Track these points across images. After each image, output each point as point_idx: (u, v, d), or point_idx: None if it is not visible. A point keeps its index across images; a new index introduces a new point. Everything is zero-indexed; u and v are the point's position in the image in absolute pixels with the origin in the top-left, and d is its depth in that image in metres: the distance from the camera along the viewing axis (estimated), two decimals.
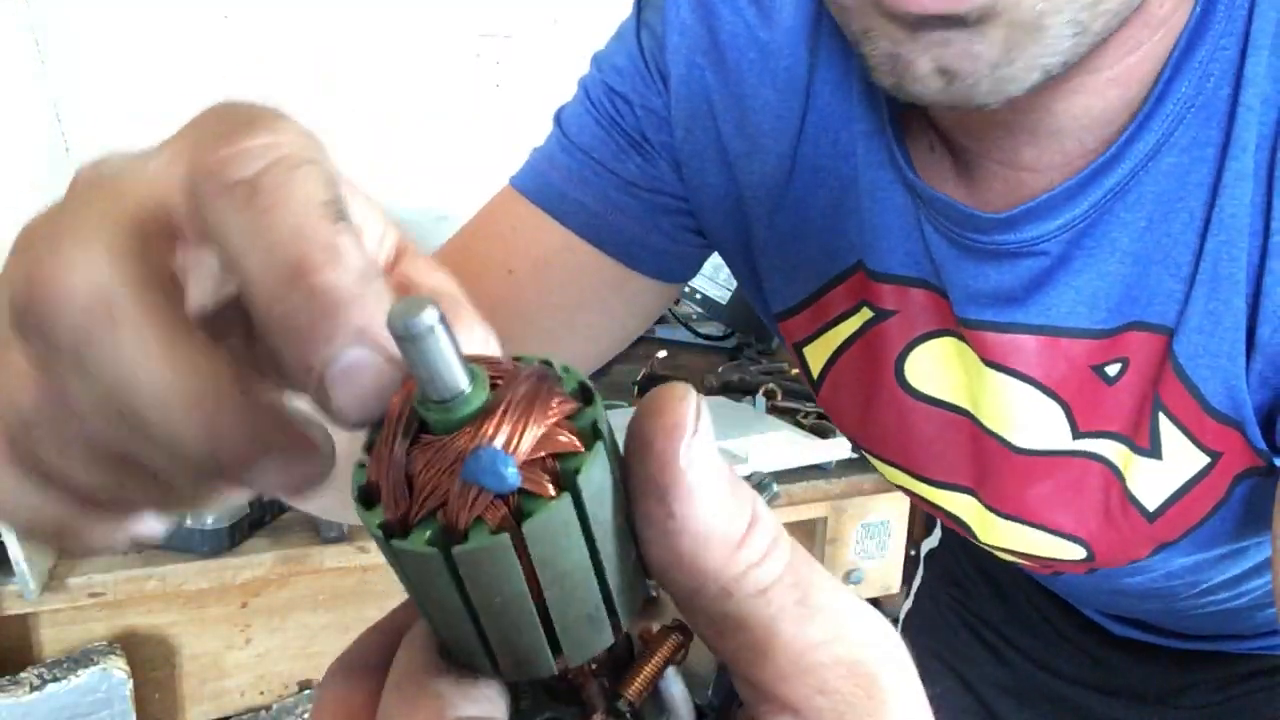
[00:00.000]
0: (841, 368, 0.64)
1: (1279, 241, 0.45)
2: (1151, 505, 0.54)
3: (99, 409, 0.19)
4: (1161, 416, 0.51)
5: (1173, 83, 0.47)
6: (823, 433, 1.31)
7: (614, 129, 0.63)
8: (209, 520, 1.08)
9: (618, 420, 0.22)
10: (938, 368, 0.59)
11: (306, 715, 1.29)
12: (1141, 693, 0.81)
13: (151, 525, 0.23)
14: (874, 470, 1.34)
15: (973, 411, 0.59)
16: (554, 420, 0.18)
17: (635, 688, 0.21)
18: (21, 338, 0.19)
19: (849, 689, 0.19)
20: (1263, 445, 0.49)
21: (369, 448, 0.19)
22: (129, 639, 1.17)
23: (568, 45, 1.65)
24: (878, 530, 1.40)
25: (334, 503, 0.48)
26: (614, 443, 0.19)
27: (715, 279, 1.57)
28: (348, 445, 0.20)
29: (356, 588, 1.31)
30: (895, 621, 1.00)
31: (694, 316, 1.69)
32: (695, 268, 0.68)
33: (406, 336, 0.17)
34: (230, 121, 0.21)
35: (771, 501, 0.22)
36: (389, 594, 1.30)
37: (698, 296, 1.59)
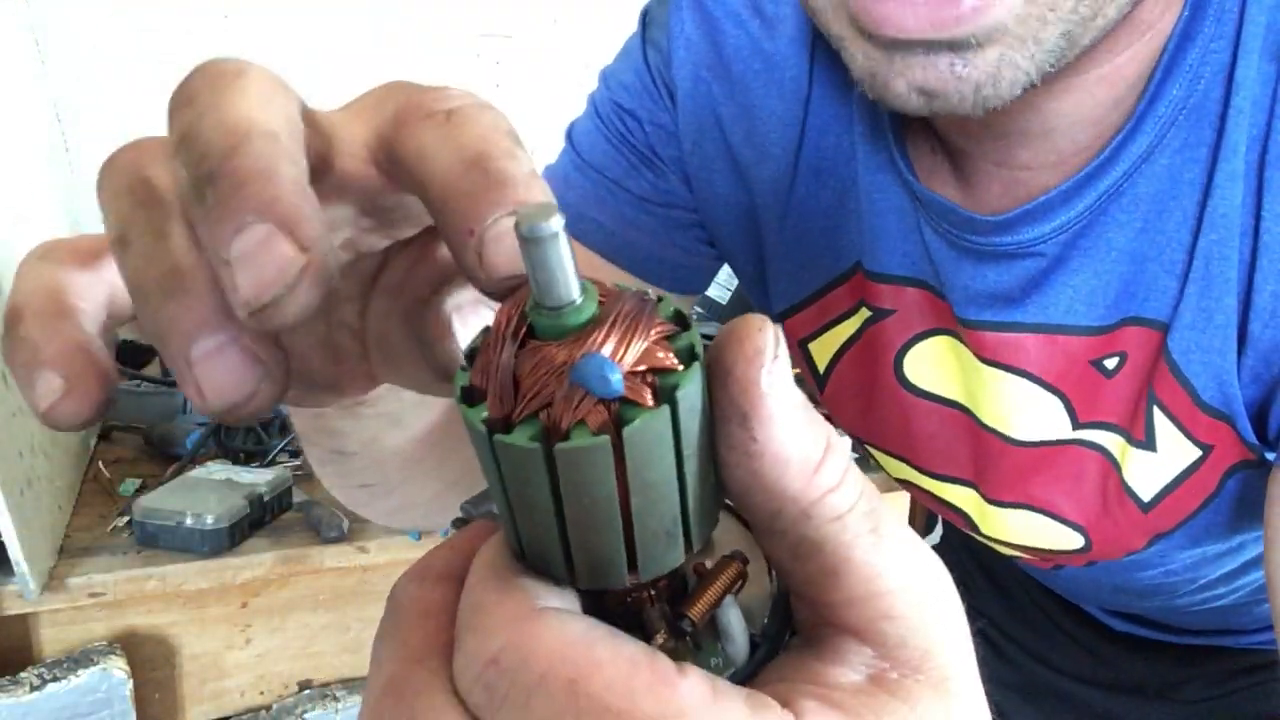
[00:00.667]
0: (844, 366, 0.65)
1: (1269, 240, 0.46)
2: (1146, 496, 0.55)
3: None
4: (1156, 409, 0.52)
5: (1164, 85, 0.48)
6: None
7: (624, 146, 0.64)
8: (209, 520, 1.08)
9: None
10: (935, 365, 0.60)
11: (307, 715, 1.29)
12: (1142, 687, 0.82)
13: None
14: (874, 470, 1.34)
15: (970, 408, 0.60)
16: (656, 338, 0.19)
17: (698, 609, 0.21)
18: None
19: (913, 615, 0.20)
20: (1253, 439, 0.50)
21: (470, 356, 0.20)
22: (129, 639, 1.17)
23: (568, 45, 1.66)
24: None
25: (395, 507, 0.49)
26: (705, 369, 0.19)
27: (715, 279, 1.57)
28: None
29: (356, 588, 1.32)
30: None
31: (694, 317, 1.69)
32: (710, 278, 0.70)
33: (532, 239, 0.18)
34: (419, 85, 0.24)
35: None
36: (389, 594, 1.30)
37: (698, 297, 1.59)
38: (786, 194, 0.60)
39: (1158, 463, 0.54)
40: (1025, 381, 0.56)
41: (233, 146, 0.19)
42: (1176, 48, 0.47)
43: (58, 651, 1.11)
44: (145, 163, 0.22)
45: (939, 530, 0.99)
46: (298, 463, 1.25)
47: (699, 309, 1.62)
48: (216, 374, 0.20)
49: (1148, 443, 0.53)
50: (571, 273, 0.18)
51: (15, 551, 0.92)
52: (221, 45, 1.51)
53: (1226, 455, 0.52)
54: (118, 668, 1.07)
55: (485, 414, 0.19)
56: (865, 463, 1.28)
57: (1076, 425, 0.56)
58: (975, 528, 0.66)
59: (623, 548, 0.20)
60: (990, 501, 0.63)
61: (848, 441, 0.18)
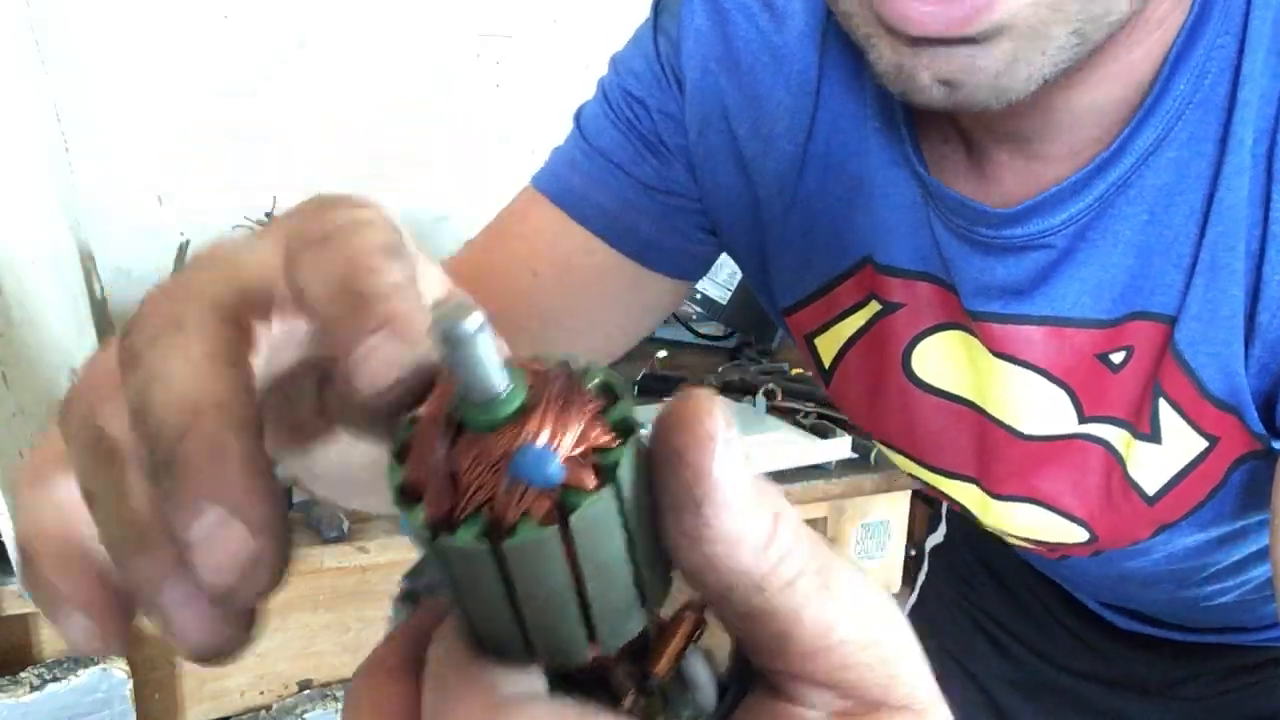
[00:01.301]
0: (850, 360, 0.66)
1: (1278, 231, 0.47)
2: (1151, 489, 0.56)
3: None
4: (1161, 402, 0.53)
5: (1172, 80, 0.48)
6: (823, 433, 1.31)
7: (631, 132, 0.65)
8: None
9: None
10: (944, 360, 0.61)
11: (307, 715, 1.29)
12: (1144, 685, 0.82)
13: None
14: (874, 470, 1.34)
15: (979, 403, 0.60)
16: (589, 416, 0.19)
17: (662, 665, 0.22)
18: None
19: (869, 658, 0.21)
20: (1261, 430, 0.51)
21: (399, 453, 0.20)
22: (129, 639, 1.17)
23: (568, 45, 1.65)
24: (878, 530, 1.40)
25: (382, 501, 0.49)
26: (639, 442, 0.19)
27: (715, 279, 1.57)
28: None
29: (356, 588, 1.31)
30: None
31: (694, 316, 1.69)
32: (708, 265, 0.71)
33: (451, 340, 0.18)
34: (319, 202, 0.24)
35: None
36: (389, 594, 1.30)
37: (698, 296, 1.59)
38: (793, 187, 0.61)
39: (1163, 455, 0.54)
40: (1033, 375, 0.56)
41: (182, 428, 0.20)
42: (1184, 44, 0.48)
43: (58, 651, 1.11)
44: (100, 411, 0.23)
45: (942, 529, 1.00)
46: None
47: (699, 309, 1.62)
48: (189, 624, 0.21)
49: (1153, 436, 0.54)
50: (497, 365, 0.18)
51: (15, 551, 0.92)
52: (222, 45, 1.51)
53: (1233, 447, 0.52)
54: (118, 668, 1.07)
55: (424, 514, 0.19)
56: (863, 464, 1.28)
57: (1082, 419, 0.56)
58: (980, 520, 0.67)
59: (582, 627, 0.19)
60: (993, 495, 0.63)
61: (793, 513, 0.19)
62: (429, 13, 1.61)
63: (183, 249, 1.38)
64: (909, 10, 0.43)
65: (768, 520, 0.20)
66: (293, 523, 1.24)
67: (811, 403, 1.40)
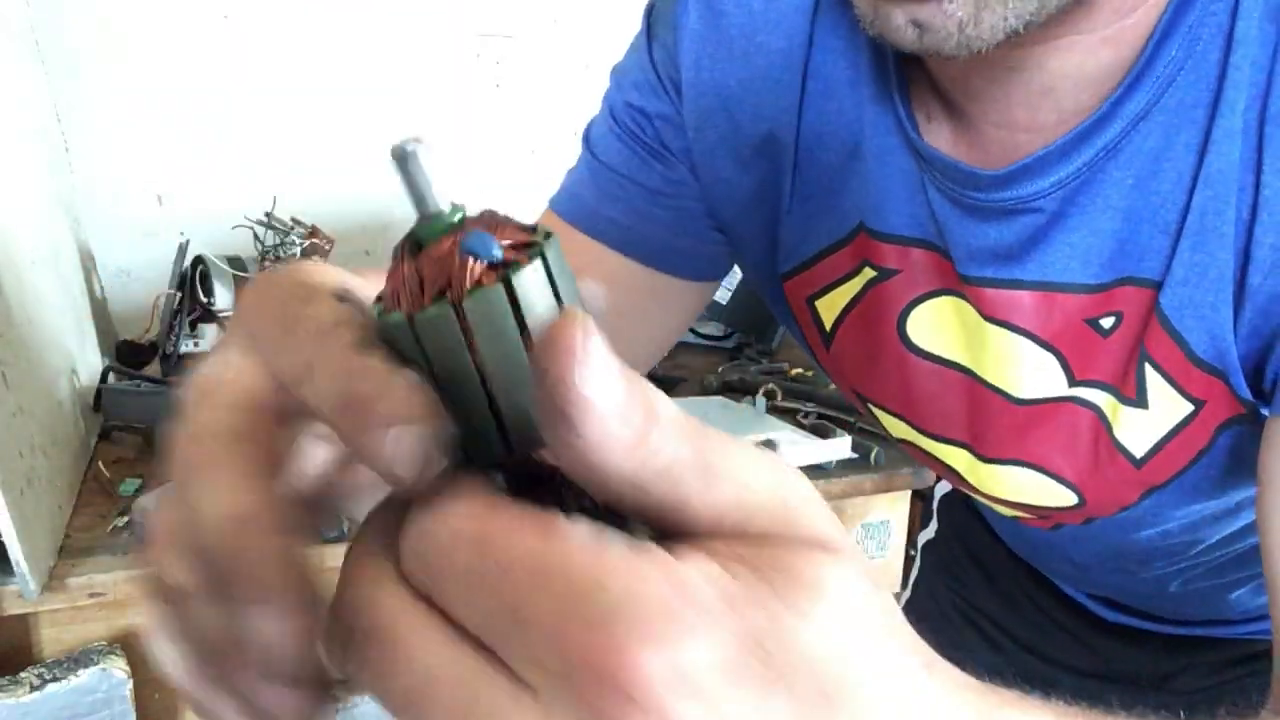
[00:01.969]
0: (848, 325, 0.67)
1: (1269, 195, 0.47)
2: (1139, 452, 0.57)
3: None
4: (1147, 367, 0.54)
5: (1163, 45, 0.49)
6: (823, 433, 1.31)
7: (635, 142, 0.67)
8: None
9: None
10: (938, 326, 0.62)
11: None
12: (1134, 678, 0.83)
13: None
14: (874, 470, 1.34)
15: (973, 368, 0.61)
16: (517, 227, 0.23)
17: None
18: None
19: (771, 519, 0.21)
20: (1247, 394, 0.51)
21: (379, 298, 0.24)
22: (129, 639, 1.17)
23: (568, 45, 1.65)
24: (878, 530, 1.40)
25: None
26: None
27: None
28: None
29: None
30: None
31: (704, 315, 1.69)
32: (728, 264, 0.72)
33: (398, 158, 0.22)
34: (266, 290, 0.26)
35: None
36: None
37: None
38: (792, 159, 0.62)
39: (1149, 419, 0.55)
40: (1024, 340, 0.57)
41: (230, 550, 0.23)
42: (1176, 9, 0.48)
43: (57, 651, 1.11)
44: (161, 558, 0.25)
45: (934, 525, 1.00)
46: None
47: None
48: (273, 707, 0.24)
49: (1139, 400, 0.55)
50: (437, 188, 0.22)
51: (15, 551, 0.92)
52: (222, 45, 1.51)
53: (1219, 410, 0.53)
54: (118, 668, 1.07)
55: (401, 311, 0.22)
56: (864, 464, 1.28)
57: (1072, 383, 0.57)
58: (973, 487, 0.67)
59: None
60: (983, 459, 0.64)
61: (669, 406, 0.20)
62: (429, 13, 1.61)
63: (183, 249, 1.38)
64: None
65: (638, 421, 0.20)
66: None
67: (811, 403, 1.40)
